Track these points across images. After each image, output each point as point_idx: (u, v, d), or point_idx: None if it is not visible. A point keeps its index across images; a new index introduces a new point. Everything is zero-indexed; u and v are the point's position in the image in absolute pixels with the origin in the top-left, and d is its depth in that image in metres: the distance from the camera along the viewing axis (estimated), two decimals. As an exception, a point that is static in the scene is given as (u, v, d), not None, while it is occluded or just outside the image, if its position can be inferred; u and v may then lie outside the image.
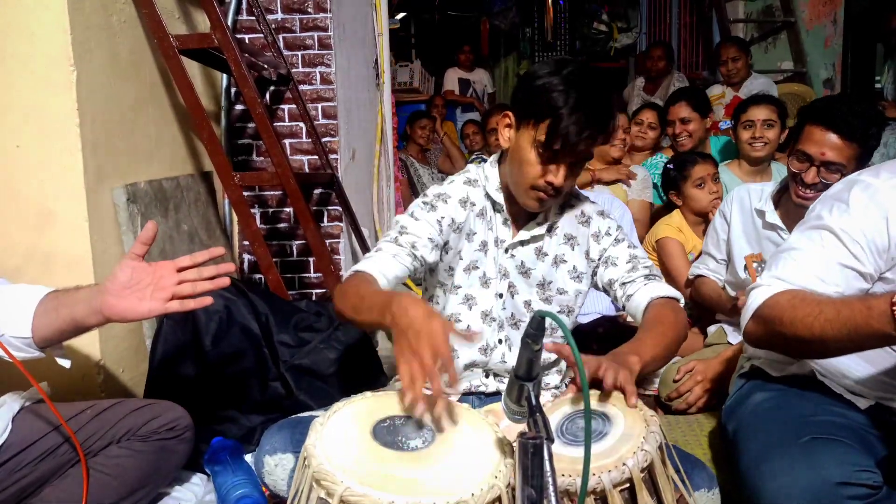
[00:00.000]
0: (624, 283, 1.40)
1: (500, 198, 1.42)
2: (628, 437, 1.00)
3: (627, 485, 0.96)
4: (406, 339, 1.03)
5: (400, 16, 7.18)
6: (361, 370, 1.93)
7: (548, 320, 0.86)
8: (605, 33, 7.18)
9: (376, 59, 3.31)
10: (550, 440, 0.82)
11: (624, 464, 0.95)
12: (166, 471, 1.47)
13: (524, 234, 1.42)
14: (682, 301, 1.39)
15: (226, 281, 1.22)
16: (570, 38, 7.86)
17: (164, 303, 1.18)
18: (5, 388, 1.44)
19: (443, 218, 1.39)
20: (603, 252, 1.44)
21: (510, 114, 1.35)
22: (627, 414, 1.05)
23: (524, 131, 1.31)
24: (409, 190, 4.67)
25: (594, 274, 1.46)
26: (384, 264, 1.33)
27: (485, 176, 1.45)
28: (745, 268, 1.94)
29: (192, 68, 2.29)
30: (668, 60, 4.86)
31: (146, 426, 1.40)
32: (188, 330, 1.80)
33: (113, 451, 1.35)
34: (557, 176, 1.29)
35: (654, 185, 3.09)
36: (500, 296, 1.43)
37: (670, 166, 2.66)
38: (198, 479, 1.61)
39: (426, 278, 1.52)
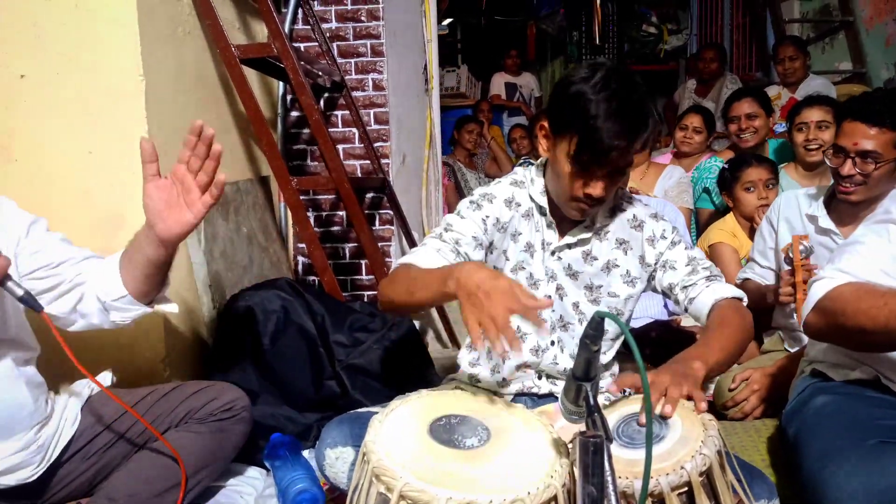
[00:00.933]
0: (685, 287, 1.38)
1: (543, 202, 1.42)
2: (686, 440, 1.00)
3: (685, 489, 0.95)
4: (476, 298, 1.05)
5: (447, 22, 7.24)
6: (414, 369, 1.96)
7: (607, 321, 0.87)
8: (655, 35, 7.09)
9: (425, 65, 3.35)
10: (610, 440, 0.83)
11: (682, 467, 0.95)
12: (225, 452, 1.51)
13: (570, 238, 1.42)
14: (746, 300, 1.37)
15: (218, 148, 1.28)
16: (618, 41, 7.79)
17: (199, 202, 1.27)
18: (71, 377, 1.51)
19: (487, 217, 1.40)
20: (659, 256, 1.43)
21: (545, 123, 1.34)
22: (685, 418, 1.05)
23: (559, 141, 1.29)
24: (456, 194, 4.70)
25: (650, 278, 1.46)
26: (428, 258, 1.34)
27: (530, 179, 1.45)
28: (787, 254, 1.89)
29: (250, 76, 2.37)
30: (720, 62, 4.77)
31: (204, 408, 1.46)
32: (248, 329, 1.86)
33: (173, 435, 1.40)
34: (595, 188, 1.27)
35: (707, 190, 3.04)
36: (549, 298, 1.44)
37: (726, 166, 2.62)
38: (257, 474, 1.67)
39: None
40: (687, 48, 7.09)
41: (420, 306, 1.28)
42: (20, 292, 1.18)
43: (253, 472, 1.67)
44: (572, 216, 1.38)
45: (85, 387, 1.46)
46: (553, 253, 1.43)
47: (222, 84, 2.23)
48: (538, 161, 1.49)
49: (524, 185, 1.46)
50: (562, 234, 1.43)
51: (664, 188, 2.97)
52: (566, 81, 1.28)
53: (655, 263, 1.43)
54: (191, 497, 1.43)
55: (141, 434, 1.40)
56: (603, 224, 1.43)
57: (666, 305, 2.29)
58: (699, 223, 3.07)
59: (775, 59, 4.07)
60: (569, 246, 1.42)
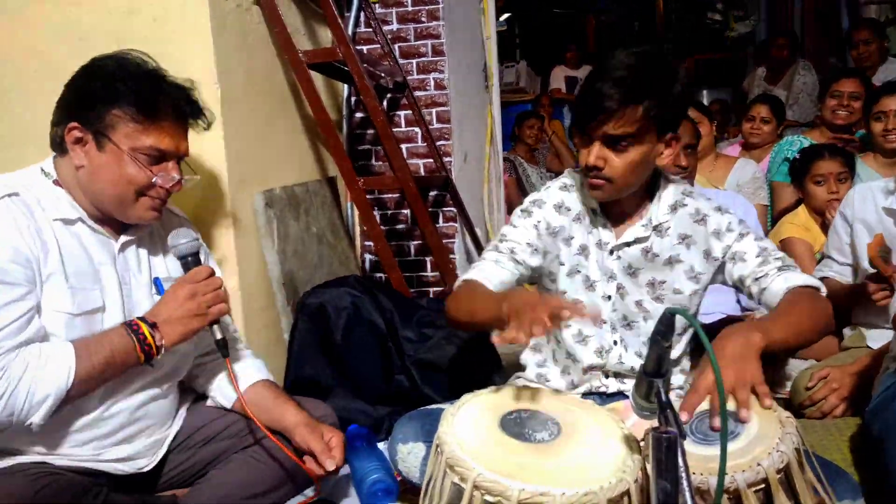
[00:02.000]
0: (757, 278, 1.35)
1: (593, 202, 1.43)
2: (762, 437, 0.99)
3: (762, 486, 0.94)
4: (522, 313, 1.08)
5: (504, 17, 7.23)
6: (481, 365, 1.98)
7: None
8: (720, 23, 6.88)
9: (485, 62, 3.37)
10: (683, 436, 0.83)
11: (758, 464, 0.94)
12: None
13: (627, 236, 1.41)
14: (824, 291, 1.32)
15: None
16: (680, 30, 7.59)
17: None
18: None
19: (539, 223, 1.43)
20: (727, 249, 1.40)
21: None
22: (761, 415, 1.03)
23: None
24: (518, 190, 4.70)
25: (717, 272, 1.43)
26: (488, 271, 1.39)
27: (580, 181, 1.45)
28: (870, 261, 1.81)
29: (316, 79, 2.43)
30: (792, 48, 4.58)
31: None
32: (320, 325, 1.93)
33: (267, 443, 1.44)
34: (590, 156, 1.31)
35: (788, 161, 2.92)
36: (609, 297, 1.44)
37: (797, 156, 2.54)
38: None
39: (538, 285, 1.55)
40: (755, 35, 6.84)
41: (481, 328, 1.31)
42: (219, 335, 1.31)
43: (327, 462, 1.73)
44: (594, 196, 1.39)
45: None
46: (612, 252, 1.42)
47: (290, 88, 2.31)
48: None
49: (574, 188, 1.47)
50: (618, 233, 1.43)
51: (736, 182, 2.89)
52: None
53: (723, 256, 1.40)
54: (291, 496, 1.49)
55: (237, 434, 1.45)
56: (662, 220, 1.41)
57: (739, 301, 2.24)
58: (775, 200, 2.95)
59: (850, 44, 3.89)
60: (627, 244, 1.42)
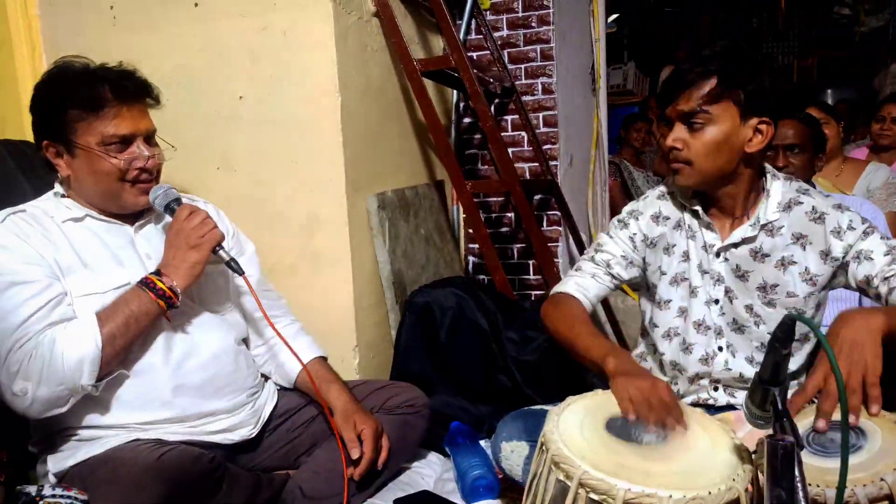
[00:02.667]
0: (887, 278, 1.26)
1: (694, 203, 1.41)
2: (887, 452, 0.95)
3: (886, 502, 0.91)
4: (633, 387, 1.13)
5: (613, 17, 7.09)
6: (584, 369, 1.98)
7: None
8: (849, 17, 6.42)
9: (592, 65, 3.34)
10: (800, 446, 0.82)
11: (882, 479, 0.91)
12: (408, 443, 1.64)
13: (734, 237, 1.37)
14: None
15: None
16: (804, 26, 7.15)
17: None
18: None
19: (635, 234, 1.44)
20: (849, 248, 1.32)
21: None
22: (887, 429, 0.99)
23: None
24: (622, 194, 4.61)
25: (838, 274, 1.36)
26: (585, 284, 1.42)
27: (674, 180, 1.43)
28: None
29: (427, 86, 2.52)
30: (931, 42, 4.23)
31: (389, 401, 1.61)
32: (426, 323, 2.00)
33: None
34: (668, 137, 1.32)
35: None
36: (717, 302, 1.41)
37: None
38: (436, 459, 1.79)
39: (640, 293, 1.55)
40: (889, 29, 6.34)
41: (576, 357, 1.34)
42: (227, 257, 1.40)
43: (433, 457, 1.79)
44: (678, 182, 1.37)
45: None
46: (718, 254, 1.39)
47: (403, 95, 2.40)
48: None
49: (670, 196, 1.46)
50: (724, 234, 1.40)
51: (866, 187, 2.71)
52: None
53: (845, 256, 1.33)
54: (385, 476, 1.57)
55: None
56: (772, 219, 1.36)
57: (875, 299, 2.10)
58: None
59: None
60: (734, 245, 1.38)
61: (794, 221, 1.37)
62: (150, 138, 1.42)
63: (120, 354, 1.31)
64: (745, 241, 1.38)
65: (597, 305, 1.48)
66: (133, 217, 1.45)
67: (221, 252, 1.40)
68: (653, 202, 1.47)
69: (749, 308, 1.38)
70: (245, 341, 1.60)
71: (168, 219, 1.44)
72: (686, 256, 1.42)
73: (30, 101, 1.40)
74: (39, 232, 1.33)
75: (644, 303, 1.52)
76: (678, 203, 1.44)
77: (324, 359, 1.63)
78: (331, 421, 1.50)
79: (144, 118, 1.41)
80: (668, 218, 1.44)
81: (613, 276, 1.44)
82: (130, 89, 1.38)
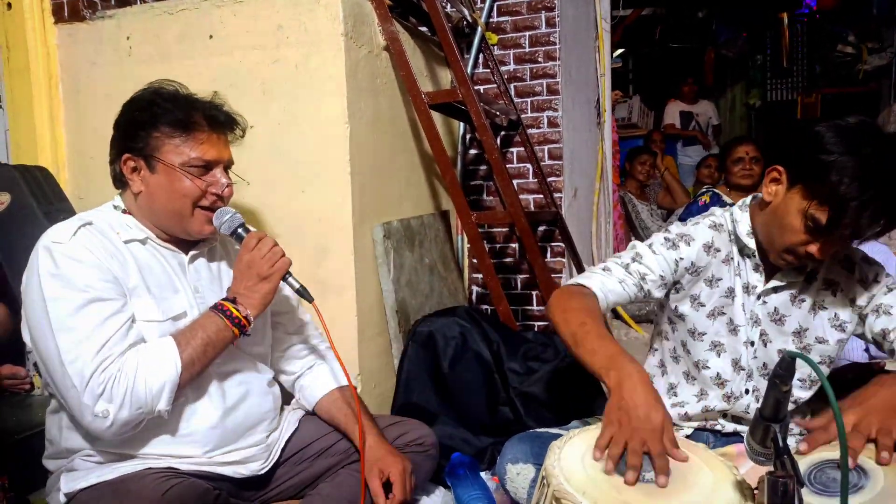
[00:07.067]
0: None
1: (751, 243, 1.37)
2: (889, 494, 0.95)
3: (887, 544, 0.91)
4: (624, 417, 1.08)
5: (618, 52, 7.20)
6: (587, 401, 1.98)
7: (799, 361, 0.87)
8: (853, 55, 6.50)
9: (598, 99, 3.39)
10: (801, 484, 0.82)
11: (884, 521, 0.90)
12: (415, 481, 1.60)
13: (777, 281, 1.37)
14: None
15: None
16: (808, 63, 7.24)
17: None
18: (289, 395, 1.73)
19: (681, 259, 1.38)
20: (871, 299, 1.35)
21: (781, 171, 1.28)
22: (890, 471, 0.99)
23: (796, 196, 1.23)
24: (626, 226, 4.63)
25: (858, 323, 1.38)
26: (609, 286, 1.35)
27: (732, 220, 1.41)
28: None
29: (435, 118, 2.56)
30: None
31: (398, 439, 1.57)
32: (429, 353, 2.01)
33: None
34: (823, 252, 1.23)
35: None
36: (752, 343, 1.40)
37: None
38: (437, 490, 1.78)
39: (657, 313, 1.54)
40: (892, 67, 6.41)
41: (575, 356, 1.26)
42: (297, 285, 1.40)
43: (434, 489, 1.78)
44: (779, 265, 1.33)
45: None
46: (759, 297, 1.39)
47: (410, 126, 2.44)
48: (742, 200, 1.43)
49: (724, 229, 1.41)
50: (768, 276, 1.38)
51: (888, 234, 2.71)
52: (822, 143, 1.18)
53: (866, 306, 1.35)
54: None
55: (346, 450, 1.53)
56: (814, 266, 1.37)
57: (867, 350, 2.11)
58: None
59: None
60: (775, 290, 1.38)
61: (827, 267, 1.38)
62: (227, 169, 1.44)
63: (194, 378, 1.31)
64: (789, 285, 1.37)
65: (607, 314, 1.44)
66: (188, 246, 1.45)
67: (291, 279, 1.40)
68: (705, 230, 1.41)
69: (782, 353, 1.38)
70: (274, 383, 1.59)
71: (219, 253, 1.45)
72: (730, 293, 1.40)
73: (118, 116, 1.41)
74: (109, 248, 1.32)
75: (660, 321, 1.50)
76: (729, 237, 1.41)
77: (343, 389, 1.61)
78: (361, 465, 1.47)
79: (227, 148, 1.44)
80: (718, 250, 1.40)
81: (642, 290, 1.37)
82: (221, 119, 1.42)
